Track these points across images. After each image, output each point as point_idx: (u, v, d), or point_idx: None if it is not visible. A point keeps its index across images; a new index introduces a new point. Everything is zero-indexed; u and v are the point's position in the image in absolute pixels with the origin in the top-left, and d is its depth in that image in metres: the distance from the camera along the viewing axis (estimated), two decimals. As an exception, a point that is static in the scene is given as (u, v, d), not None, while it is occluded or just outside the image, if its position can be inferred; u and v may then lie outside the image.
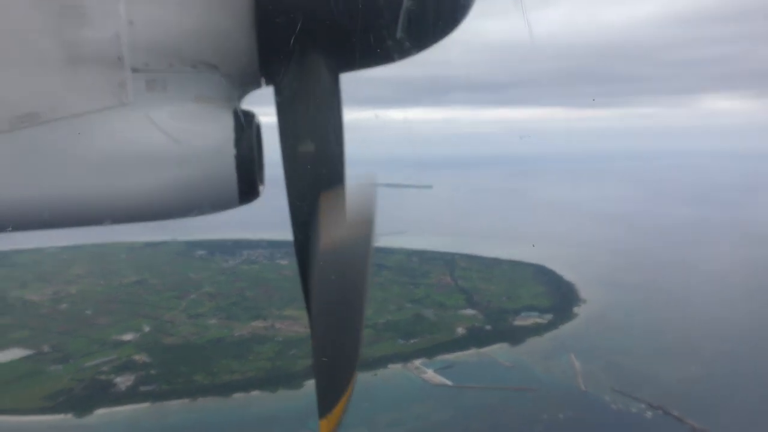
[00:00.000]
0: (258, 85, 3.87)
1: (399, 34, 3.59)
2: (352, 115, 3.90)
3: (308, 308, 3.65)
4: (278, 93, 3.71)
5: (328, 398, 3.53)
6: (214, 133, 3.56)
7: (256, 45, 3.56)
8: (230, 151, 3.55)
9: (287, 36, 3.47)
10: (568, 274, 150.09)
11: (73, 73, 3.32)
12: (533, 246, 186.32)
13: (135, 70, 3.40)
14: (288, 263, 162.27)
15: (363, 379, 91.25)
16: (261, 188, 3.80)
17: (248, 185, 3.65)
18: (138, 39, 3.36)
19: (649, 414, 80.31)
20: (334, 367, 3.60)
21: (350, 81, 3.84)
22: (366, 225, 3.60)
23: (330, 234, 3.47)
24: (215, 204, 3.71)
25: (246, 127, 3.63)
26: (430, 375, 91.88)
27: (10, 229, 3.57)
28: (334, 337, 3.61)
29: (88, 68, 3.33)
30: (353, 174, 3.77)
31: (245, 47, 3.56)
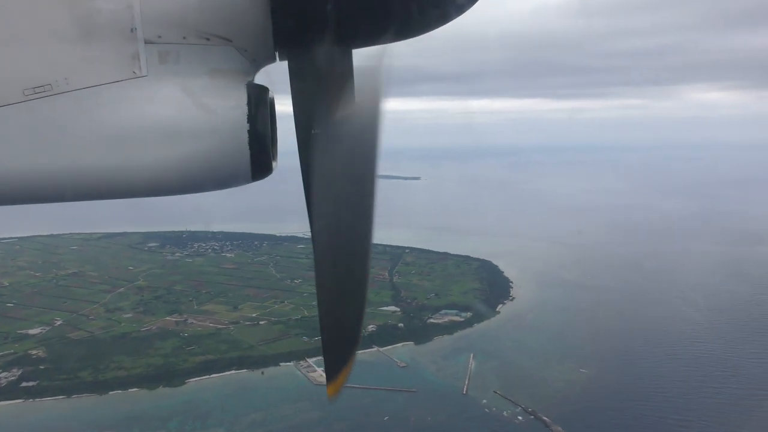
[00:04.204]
0: (272, 60, 3.85)
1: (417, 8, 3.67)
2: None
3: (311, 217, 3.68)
4: (292, 68, 3.75)
5: (334, 368, 3.70)
6: (227, 108, 3.53)
7: (270, 18, 3.53)
8: (243, 126, 3.54)
9: (301, 10, 3.47)
10: (510, 271, 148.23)
11: (86, 45, 3.31)
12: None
13: (148, 42, 3.38)
14: (234, 256, 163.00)
15: (246, 377, 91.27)
16: (274, 164, 3.80)
17: (261, 161, 3.65)
18: (151, 10, 3.34)
19: (519, 418, 78.81)
20: (339, 339, 3.72)
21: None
22: (374, 101, 3.48)
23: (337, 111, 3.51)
24: (228, 180, 3.71)
25: (259, 102, 3.62)
26: (318, 374, 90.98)
27: (23, 201, 3.60)
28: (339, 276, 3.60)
29: (101, 40, 3.32)
30: None
31: (259, 20, 3.54)
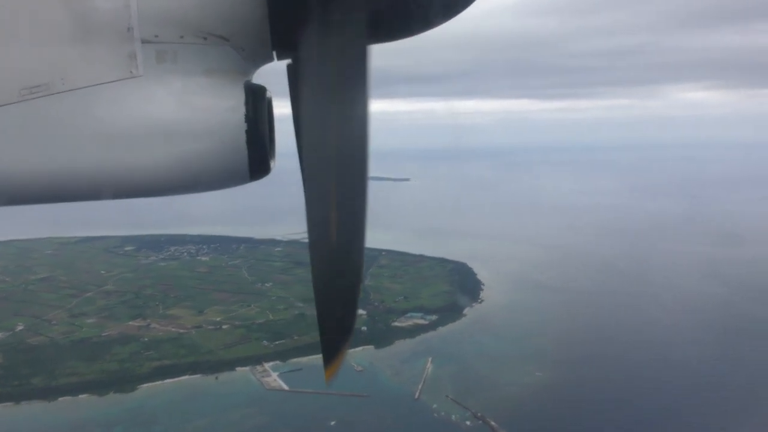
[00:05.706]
0: (270, 59, 3.83)
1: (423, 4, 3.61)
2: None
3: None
4: (291, 68, 3.74)
5: (329, 354, 3.69)
6: (224, 108, 3.51)
7: (267, 17, 3.49)
8: (241, 125, 3.51)
9: (299, 9, 3.38)
10: (483, 273, 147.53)
11: (82, 44, 3.28)
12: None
13: (145, 42, 3.35)
14: (208, 260, 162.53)
15: (200, 382, 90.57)
16: (272, 164, 3.78)
17: (259, 161, 3.63)
18: (148, 9, 3.31)
19: (467, 423, 78.21)
20: (334, 327, 3.70)
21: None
22: (363, 101, 3.44)
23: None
24: (226, 180, 3.70)
25: (257, 101, 3.59)
26: (272, 379, 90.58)
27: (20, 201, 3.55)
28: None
29: (97, 39, 3.29)
30: None
31: (257, 19, 3.50)
